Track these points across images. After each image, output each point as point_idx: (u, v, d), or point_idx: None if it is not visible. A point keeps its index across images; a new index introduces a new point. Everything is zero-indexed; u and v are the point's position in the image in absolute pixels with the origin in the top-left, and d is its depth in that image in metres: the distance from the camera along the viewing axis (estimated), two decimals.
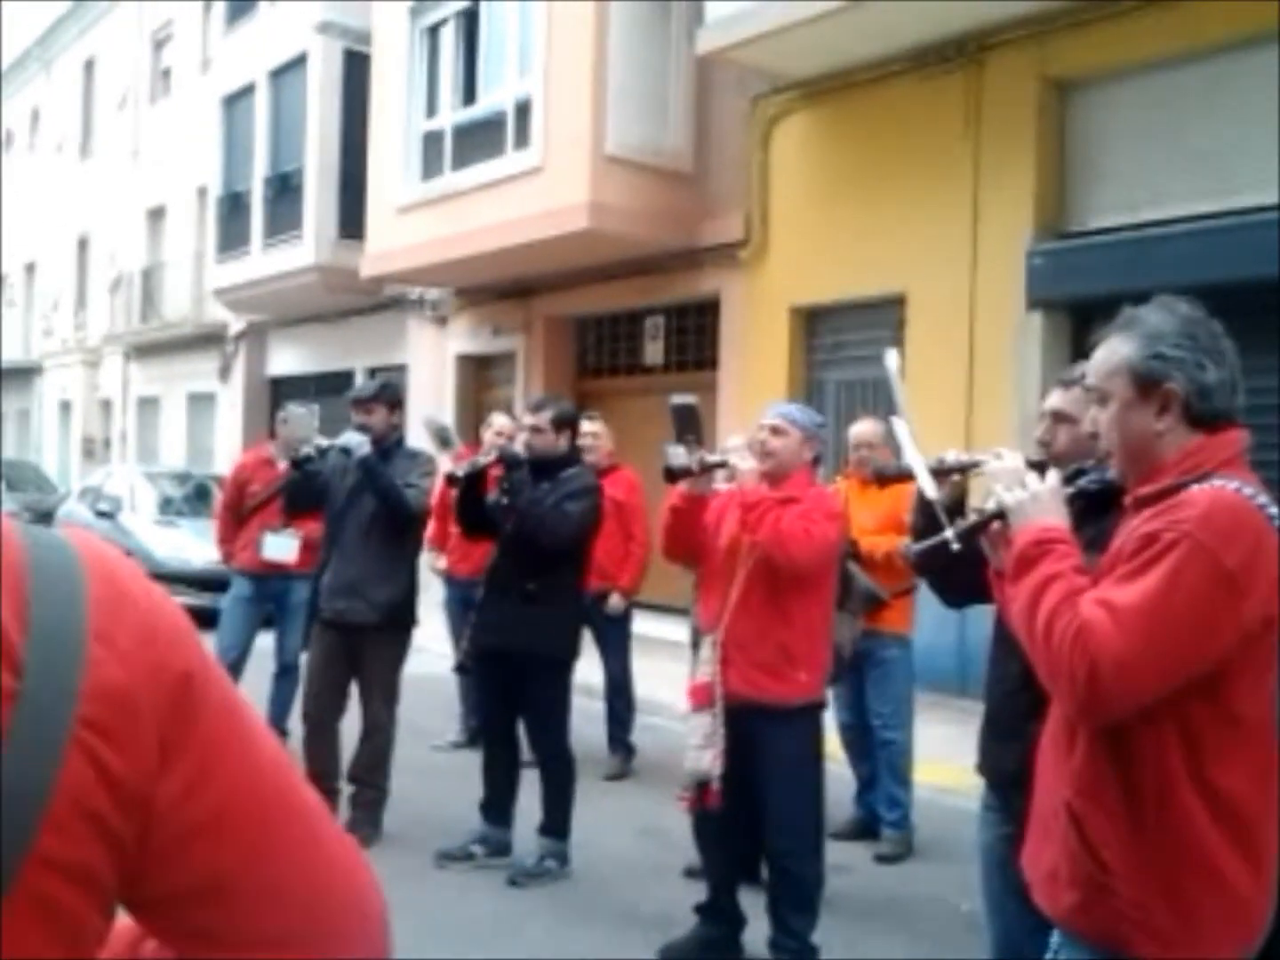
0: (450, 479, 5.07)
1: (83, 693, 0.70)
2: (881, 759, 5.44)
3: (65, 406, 25.99)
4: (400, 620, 5.36)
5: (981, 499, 2.35)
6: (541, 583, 4.88)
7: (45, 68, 27.90)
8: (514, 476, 4.91)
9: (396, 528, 5.24)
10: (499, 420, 6.65)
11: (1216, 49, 7.45)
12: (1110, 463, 2.01)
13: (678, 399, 4.01)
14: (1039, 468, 2.71)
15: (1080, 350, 7.78)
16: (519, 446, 5.20)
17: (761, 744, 3.77)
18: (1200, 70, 7.61)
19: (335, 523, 5.37)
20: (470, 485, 5.04)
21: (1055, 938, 2.13)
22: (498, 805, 5.11)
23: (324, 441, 5.38)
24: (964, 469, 2.63)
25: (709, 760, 3.72)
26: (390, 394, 5.51)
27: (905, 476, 2.87)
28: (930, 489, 2.55)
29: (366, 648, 5.30)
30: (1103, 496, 2.17)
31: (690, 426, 3.91)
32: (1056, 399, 2.73)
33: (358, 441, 5.20)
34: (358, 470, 5.20)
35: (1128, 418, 1.94)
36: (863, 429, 5.51)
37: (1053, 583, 1.87)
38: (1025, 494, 2.04)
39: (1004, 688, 2.68)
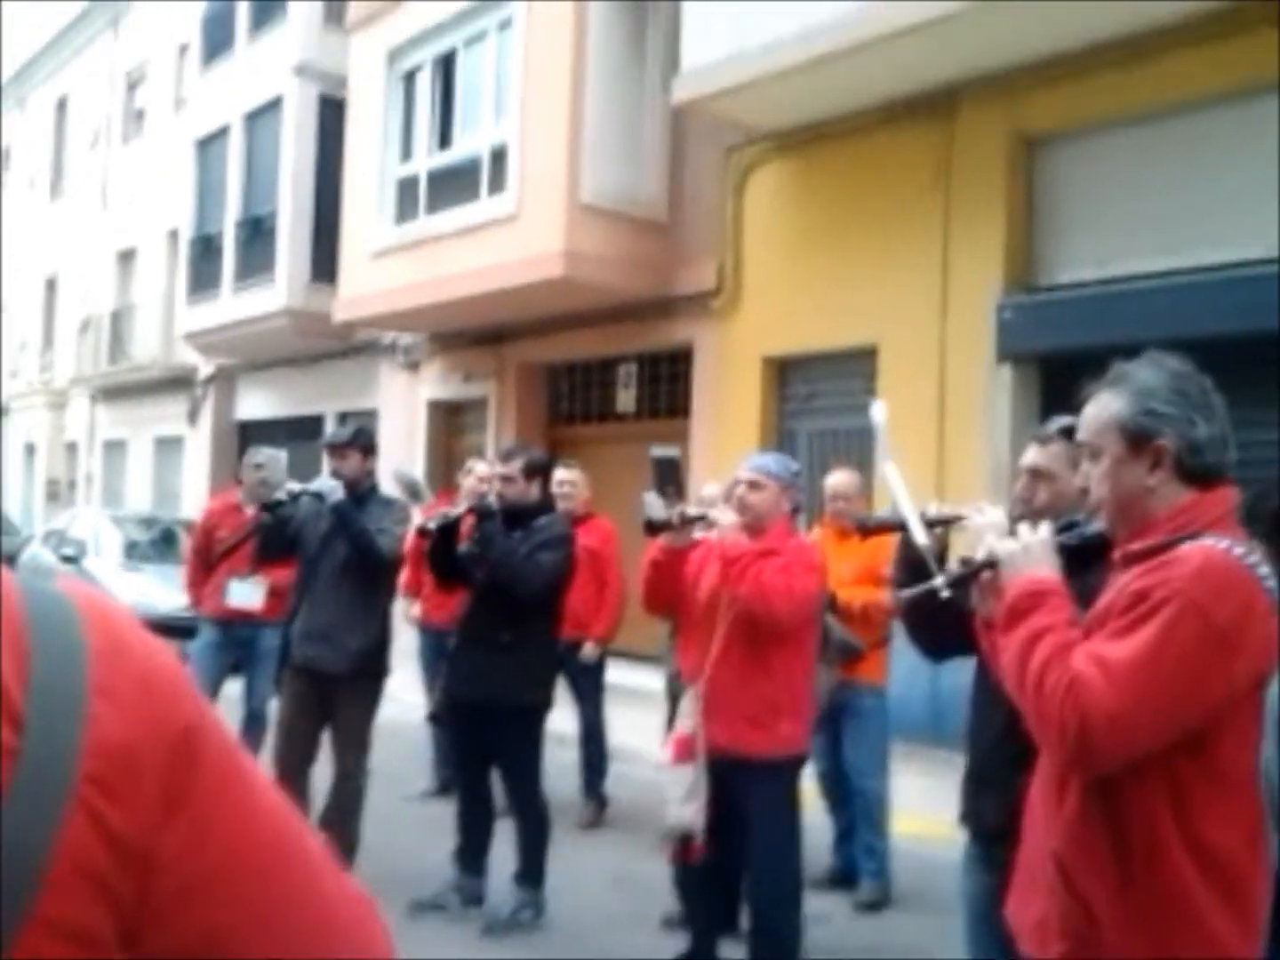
0: (422, 532, 5.05)
1: (84, 749, 0.69)
2: (858, 808, 5.42)
3: (30, 449, 25.70)
4: (372, 669, 5.30)
5: (961, 554, 2.35)
6: (516, 632, 4.86)
7: (19, 104, 27.83)
8: (485, 527, 4.90)
9: (369, 575, 5.21)
10: (480, 467, 6.64)
11: (1184, 106, 7.59)
12: (1100, 517, 2.03)
13: (658, 451, 4.01)
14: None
15: (1050, 403, 7.91)
16: (492, 496, 5.19)
17: (743, 796, 3.74)
18: (1169, 127, 7.75)
19: (308, 569, 5.32)
20: (442, 536, 5.02)
21: None
22: (472, 854, 5.06)
23: (296, 486, 5.37)
24: (946, 522, 2.64)
25: (692, 814, 3.69)
26: (364, 440, 5.50)
27: (888, 527, 2.88)
28: (921, 535, 2.56)
29: (338, 696, 5.24)
30: (1082, 552, 2.17)
31: (670, 478, 3.92)
32: (1033, 456, 2.74)
33: (331, 487, 5.19)
34: (331, 516, 5.17)
35: (1119, 473, 1.96)
36: (839, 480, 5.53)
37: (1045, 635, 1.88)
38: (1017, 545, 2.06)
39: (987, 738, 2.68)
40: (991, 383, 8.31)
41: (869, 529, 2.93)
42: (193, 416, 19.30)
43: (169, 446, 20.08)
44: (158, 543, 13.17)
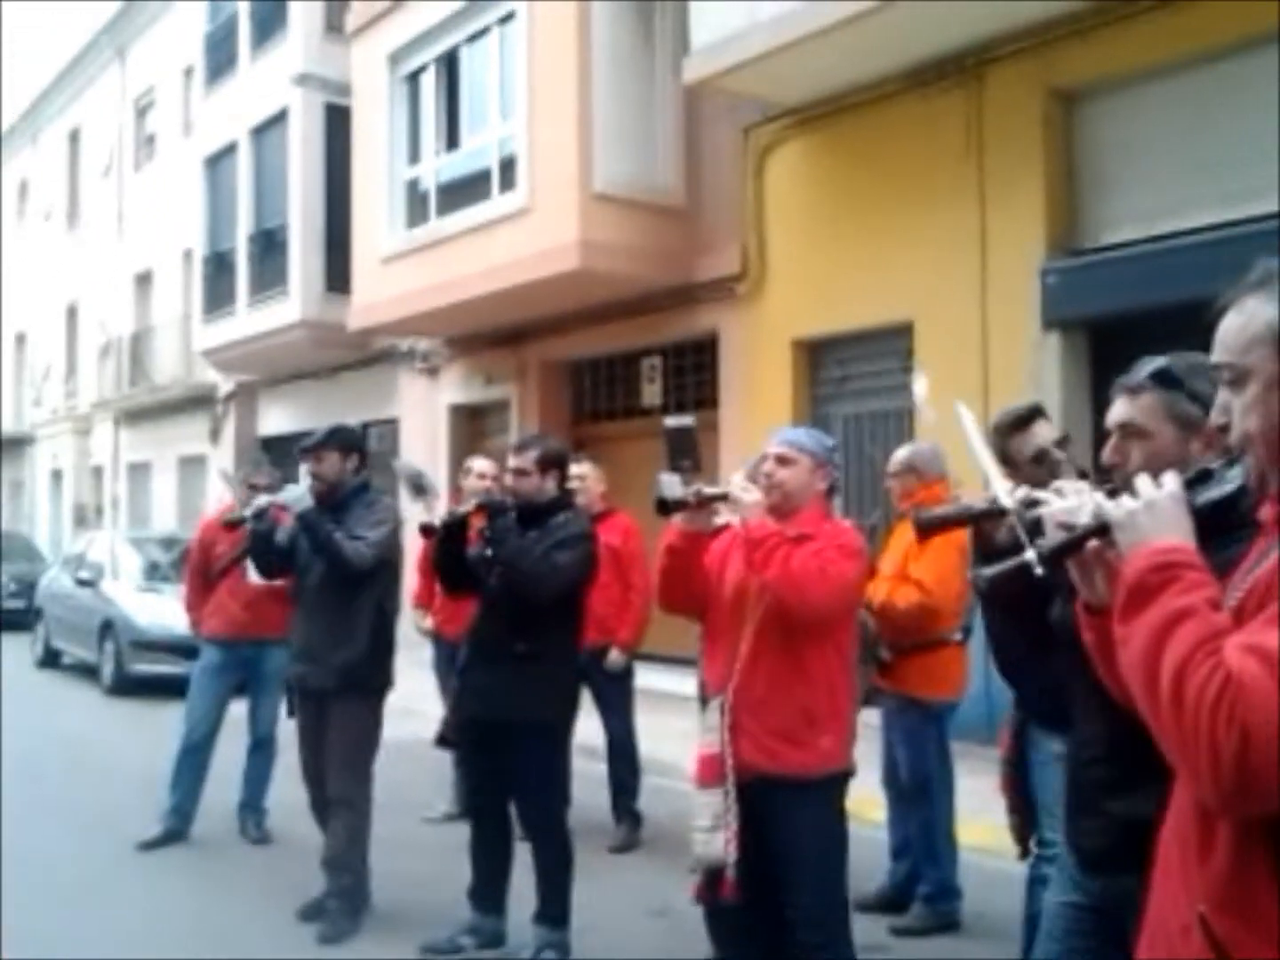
0: (426, 530, 4.57)
1: None
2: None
3: (57, 475, 25.63)
4: (363, 684, 4.87)
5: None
6: (532, 642, 4.37)
7: (32, 139, 27.85)
8: (497, 524, 4.43)
9: (350, 584, 4.80)
10: (479, 464, 6.19)
11: (1225, 51, 7.10)
12: (1245, 461, 1.52)
13: (672, 421, 3.55)
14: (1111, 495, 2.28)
15: (1102, 371, 7.36)
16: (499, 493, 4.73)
17: (780, 823, 3.24)
18: (1210, 73, 7.25)
19: (299, 583, 4.96)
20: (450, 537, 4.56)
21: None
22: (488, 891, 4.57)
23: (264, 500, 4.99)
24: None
25: (721, 845, 3.18)
26: (341, 438, 5.05)
27: (951, 521, 2.38)
28: (1005, 496, 2.07)
29: (329, 715, 4.84)
30: (1211, 518, 1.64)
31: (686, 451, 3.44)
32: (1121, 409, 2.21)
33: (296, 496, 4.81)
34: (298, 526, 4.82)
35: (1275, 400, 1.45)
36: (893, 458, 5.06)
37: (1183, 621, 1.37)
38: (1137, 504, 1.54)
39: (1080, 757, 2.21)
40: (1038, 353, 7.79)
41: (929, 525, 2.36)
42: (215, 435, 19.06)
43: (193, 466, 19.88)
44: (179, 563, 12.80)
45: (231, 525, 5.25)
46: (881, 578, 4.69)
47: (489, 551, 4.46)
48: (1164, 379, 2.15)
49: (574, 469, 5.97)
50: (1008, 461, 3.36)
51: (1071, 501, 2.03)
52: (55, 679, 13.06)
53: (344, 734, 4.85)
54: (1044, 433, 3.53)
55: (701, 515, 3.35)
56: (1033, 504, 2.12)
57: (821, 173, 9.52)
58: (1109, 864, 2.14)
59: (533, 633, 4.39)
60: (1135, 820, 1.92)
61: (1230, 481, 1.60)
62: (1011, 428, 3.44)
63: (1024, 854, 3.72)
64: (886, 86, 8.83)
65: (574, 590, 4.52)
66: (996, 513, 2.29)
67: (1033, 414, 3.59)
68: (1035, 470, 3.40)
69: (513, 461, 4.61)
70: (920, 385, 3.12)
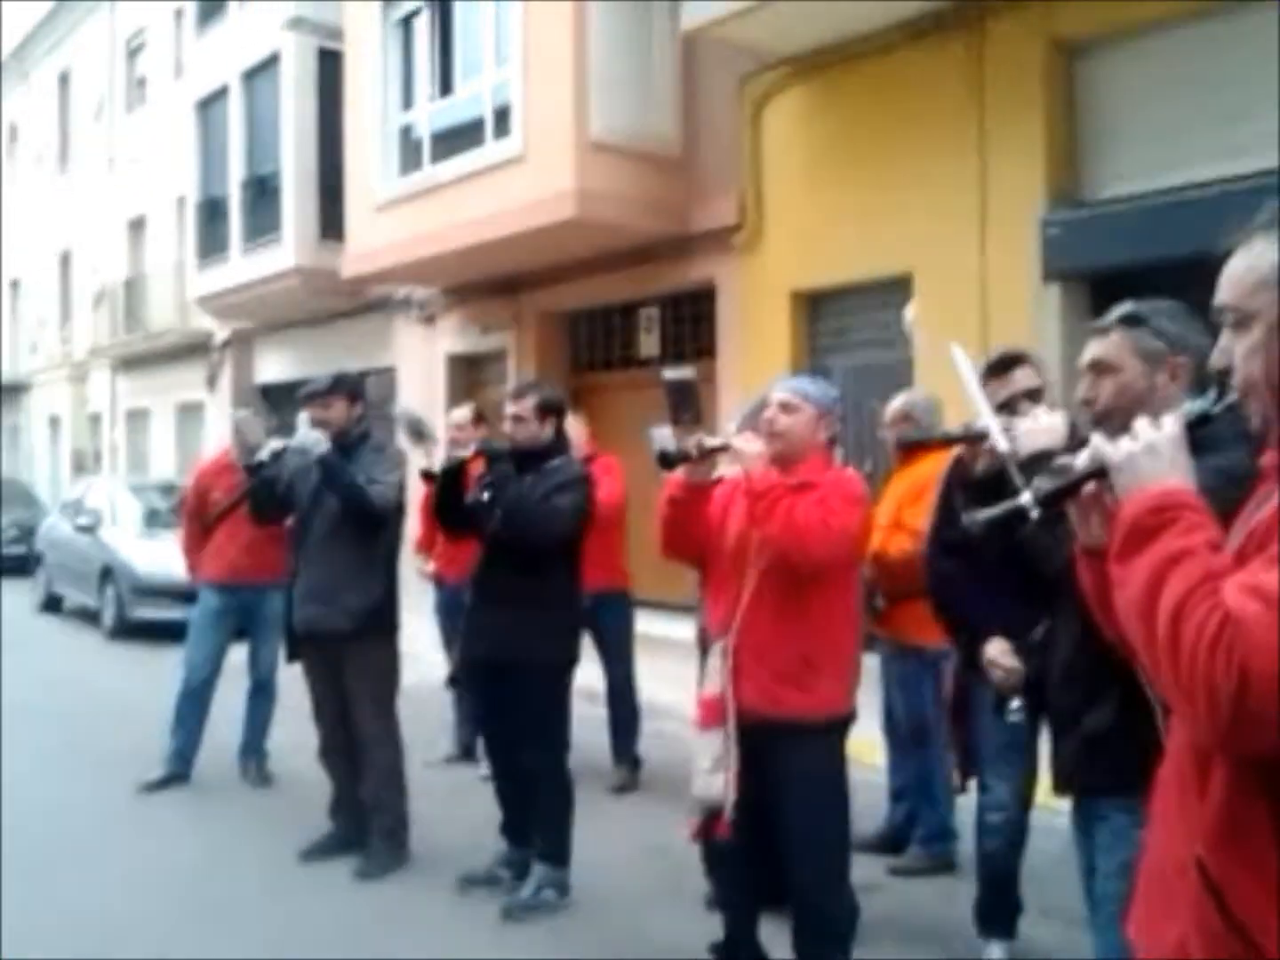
0: (425, 475, 4.64)
1: None
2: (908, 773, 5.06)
3: (54, 422, 25.61)
4: (379, 626, 4.95)
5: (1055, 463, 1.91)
6: (532, 585, 4.47)
7: (22, 79, 27.50)
8: (498, 469, 4.50)
9: (365, 528, 4.86)
10: (455, 414, 6.28)
11: (1229, 4, 7.02)
12: (1251, 405, 1.53)
13: (671, 373, 3.57)
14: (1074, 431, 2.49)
15: None
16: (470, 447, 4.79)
17: (780, 765, 3.30)
18: (1214, 26, 7.17)
19: (301, 526, 5.01)
20: (450, 482, 4.62)
21: None
22: (517, 824, 4.71)
23: (279, 443, 5.04)
24: (980, 437, 2.31)
25: (720, 786, 3.24)
26: (348, 385, 5.10)
27: (928, 444, 2.58)
28: (1000, 439, 2.14)
29: (346, 659, 4.90)
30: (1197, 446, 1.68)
31: (687, 404, 3.46)
32: (1094, 348, 2.44)
33: (314, 440, 4.83)
34: (318, 470, 4.82)
35: (1278, 345, 1.44)
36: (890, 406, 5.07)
37: (1181, 561, 1.37)
38: (1136, 445, 1.53)
39: (1055, 671, 2.44)
40: (1038, 305, 7.78)
41: (906, 443, 2.54)
42: (212, 382, 19.02)
43: (190, 413, 19.88)
44: (177, 509, 12.86)
45: (251, 469, 5.15)
46: (876, 527, 4.73)
47: (487, 497, 4.52)
48: (1129, 319, 2.38)
49: None
50: None
51: (1042, 421, 2.29)
52: (56, 624, 13.15)
53: (369, 675, 4.95)
54: (1022, 379, 3.49)
55: (703, 467, 3.38)
56: (981, 436, 2.30)
57: (819, 123, 9.45)
58: (1071, 785, 2.45)
59: (533, 575, 4.49)
60: (1097, 735, 2.12)
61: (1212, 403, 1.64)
62: (989, 373, 3.40)
63: (961, 789, 4.03)
64: (885, 37, 8.73)
65: (574, 533, 4.59)
66: (973, 437, 2.50)
67: (1014, 360, 3.54)
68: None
69: (510, 408, 4.67)
70: (910, 310, 3.16)
